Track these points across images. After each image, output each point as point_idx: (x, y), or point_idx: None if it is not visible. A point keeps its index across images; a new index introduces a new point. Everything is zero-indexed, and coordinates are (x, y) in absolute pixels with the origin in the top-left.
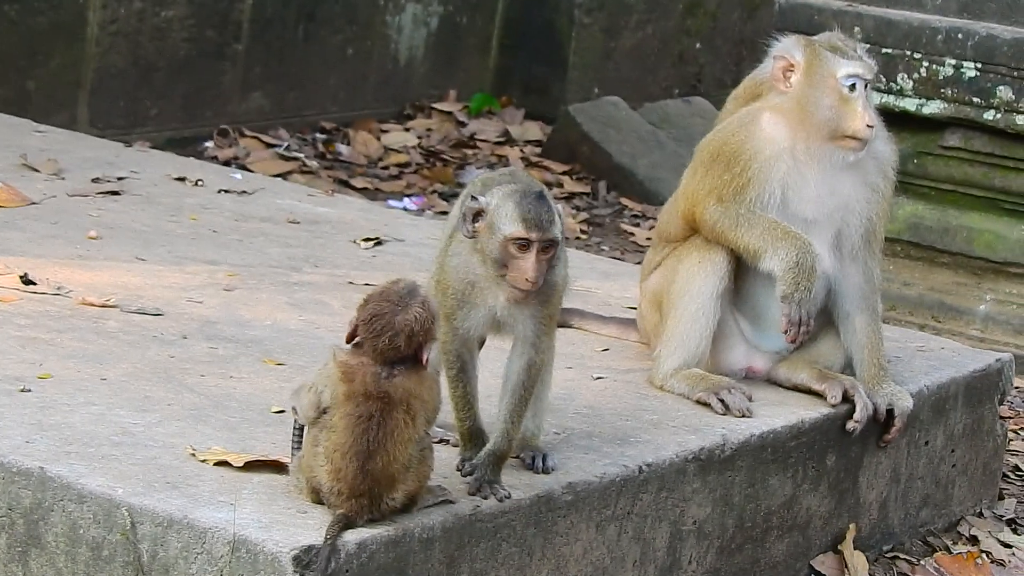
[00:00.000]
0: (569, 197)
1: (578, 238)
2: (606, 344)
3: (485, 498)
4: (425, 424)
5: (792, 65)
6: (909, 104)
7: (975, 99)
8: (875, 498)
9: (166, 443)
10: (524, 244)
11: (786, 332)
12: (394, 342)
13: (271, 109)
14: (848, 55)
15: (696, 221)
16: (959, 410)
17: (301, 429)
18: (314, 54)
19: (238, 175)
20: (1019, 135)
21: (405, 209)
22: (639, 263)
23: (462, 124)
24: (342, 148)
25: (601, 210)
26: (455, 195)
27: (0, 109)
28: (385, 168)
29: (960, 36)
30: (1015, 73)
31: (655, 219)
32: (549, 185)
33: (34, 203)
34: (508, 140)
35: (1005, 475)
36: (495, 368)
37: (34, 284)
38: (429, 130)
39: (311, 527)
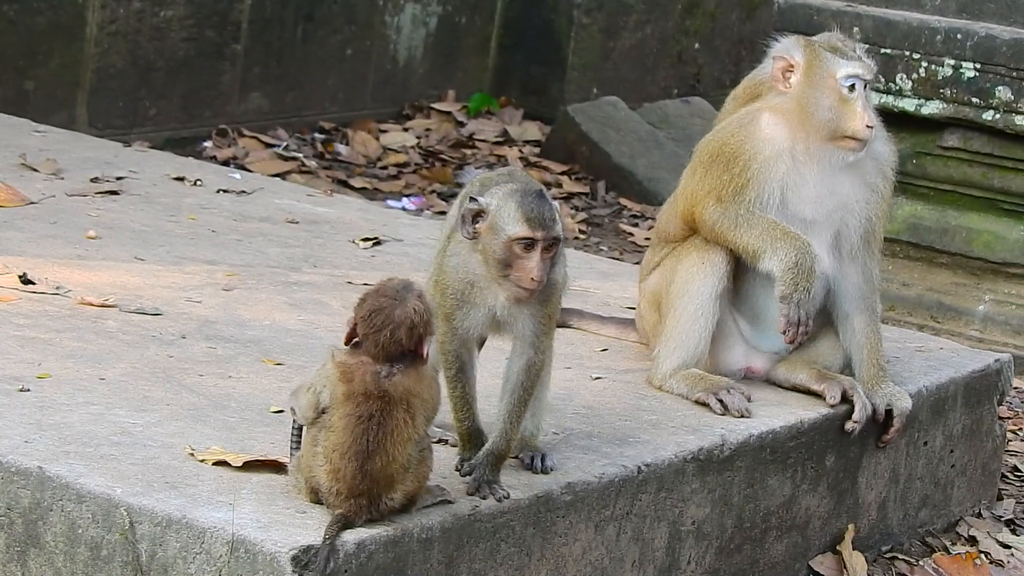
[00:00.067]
0: (568, 197)
1: (577, 238)
2: (605, 344)
3: (484, 498)
4: (425, 423)
5: (792, 65)
6: (908, 104)
7: (974, 99)
8: (874, 498)
9: (165, 443)
10: (529, 244)
11: (785, 332)
12: (396, 335)
13: (270, 109)
14: (848, 55)
15: (695, 221)
16: (958, 411)
17: (300, 429)
18: (313, 54)
19: (237, 175)
20: (1018, 135)
21: (404, 209)
22: (638, 263)
23: (461, 124)
24: (341, 148)
25: (600, 210)
26: (454, 195)
27: None
28: (384, 168)
29: (959, 36)
30: (1014, 73)
31: (654, 219)
32: (548, 185)
33: (33, 203)
34: (507, 140)
35: (1004, 476)
36: (494, 368)
37: (33, 284)
38: (428, 130)
39: (310, 527)
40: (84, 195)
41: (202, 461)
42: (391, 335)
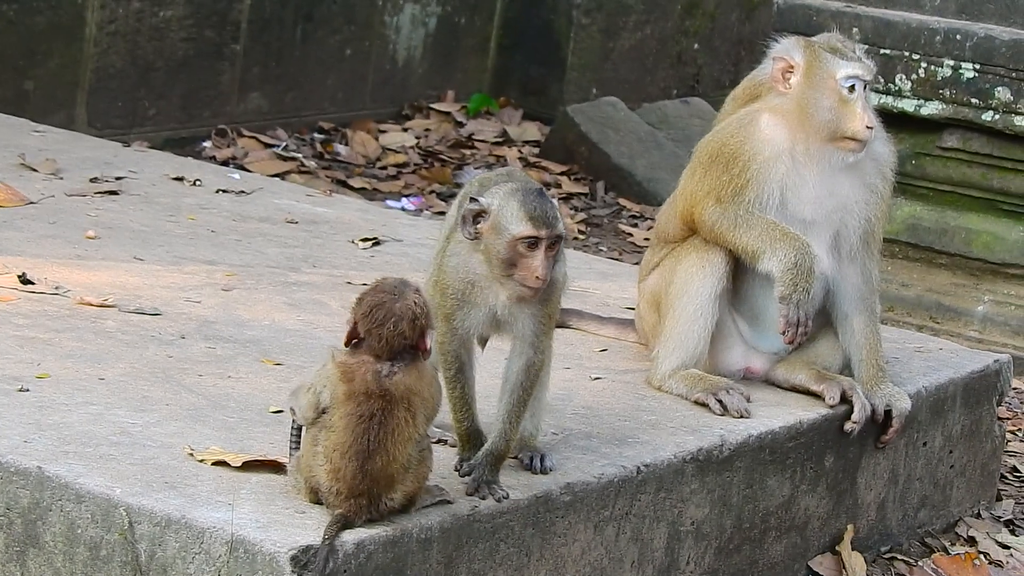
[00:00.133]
0: (567, 197)
1: (576, 238)
2: (604, 344)
3: (483, 498)
4: (425, 422)
5: (791, 66)
6: (907, 105)
7: (973, 100)
8: (873, 499)
9: (164, 443)
10: (533, 242)
11: (784, 333)
12: (399, 327)
13: (269, 109)
14: (847, 56)
15: (695, 222)
16: (957, 411)
17: (299, 429)
18: (312, 54)
19: (236, 175)
20: (1017, 136)
21: (403, 209)
22: (637, 263)
23: (460, 124)
24: (340, 148)
25: (599, 211)
26: (453, 195)
27: None
28: (383, 168)
29: (958, 37)
30: (1013, 74)
31: (653, 219)
32: (547, 185)
33: (32, 203)
34: (506, 140)
35: (1003, 476)
36: (494, 368)
37: (32, 284)
38: (427, 130)
39: (309, 527)
40: (83, 195)
41: (201, 461)
42: (394, 327)
